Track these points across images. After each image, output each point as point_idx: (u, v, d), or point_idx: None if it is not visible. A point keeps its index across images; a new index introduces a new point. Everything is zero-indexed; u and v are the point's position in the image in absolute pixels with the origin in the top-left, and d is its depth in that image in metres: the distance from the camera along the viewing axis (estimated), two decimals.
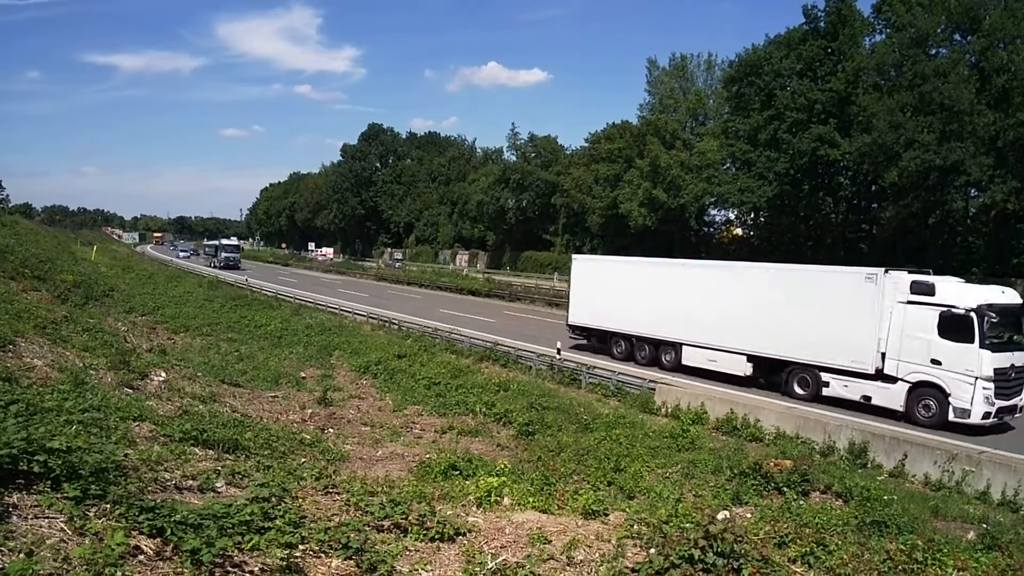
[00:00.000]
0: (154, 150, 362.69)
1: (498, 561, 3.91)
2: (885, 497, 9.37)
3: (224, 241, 74.29)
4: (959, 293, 14.89)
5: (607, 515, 6.28)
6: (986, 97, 32.31)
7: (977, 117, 31.24)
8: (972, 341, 14.01)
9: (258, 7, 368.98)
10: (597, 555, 4.31)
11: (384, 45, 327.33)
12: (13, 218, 55.46)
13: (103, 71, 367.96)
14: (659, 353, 20.25)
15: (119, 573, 2.81)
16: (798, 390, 16.94)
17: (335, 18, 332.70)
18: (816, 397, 16.50)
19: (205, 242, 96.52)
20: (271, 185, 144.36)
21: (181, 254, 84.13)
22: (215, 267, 60.23)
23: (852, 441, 12.82)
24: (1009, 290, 15.92)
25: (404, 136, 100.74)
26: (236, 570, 3.35)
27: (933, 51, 35.19)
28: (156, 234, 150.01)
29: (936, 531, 8.15)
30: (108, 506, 3.60)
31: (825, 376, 16.31)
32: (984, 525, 8.77)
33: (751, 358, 17.72)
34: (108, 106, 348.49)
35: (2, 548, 2.91)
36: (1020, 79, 31.57)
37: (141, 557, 3.21)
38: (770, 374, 17.74)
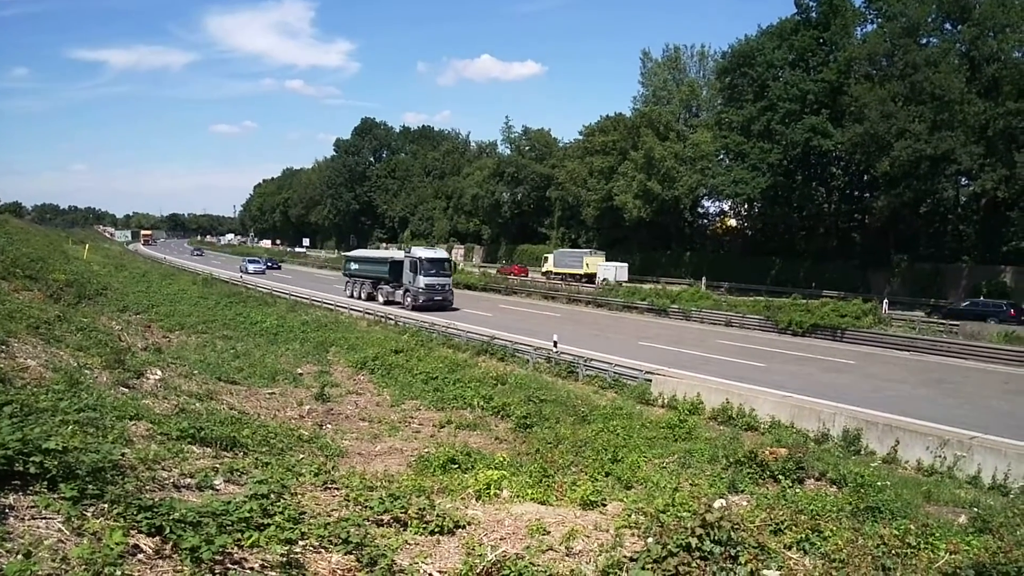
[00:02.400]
0: (145, 147, 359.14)
1: (498, 553, 3.93)
2: (879, 483, 9.47)
3: (423, 253, 34.04)
4: None
5: (605, 505, 6.32)
6: (976, 86, 32.46)
7: (967, 106, 31.40)
8: None
9: (249, 0, 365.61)
10: (595, 545, 4.35)
11: (377, 38, 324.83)
12: (3, 217, 54.99)
13: (92, 67, 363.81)
14: None
15: (118, 572, 2.80)
16: None
17: (328, 11, 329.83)
18: None
19: (353, 253, 46.79)
20: (264, 181, 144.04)
21: (251, 268, 56.28)
22: (396, 304, 32.95)
23: (846, 428, 12.94)
24: None
25: (397, 130, 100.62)
26: (236, 567, 3.36)
27: (924, 40, 35.29)
28: (145, 232, 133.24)
29: (929, 516, 8.24)
30: (106, 506, 3.59)
31: None
32: (975, 509, 8.87)
33: None
34: (98, 103, 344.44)
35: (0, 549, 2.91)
36: (1010, 68, 31.72)
37: (140, 556, 3.21)
38: None
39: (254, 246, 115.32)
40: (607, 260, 47.82)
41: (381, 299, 34.71)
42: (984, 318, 27.66)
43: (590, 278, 46.14)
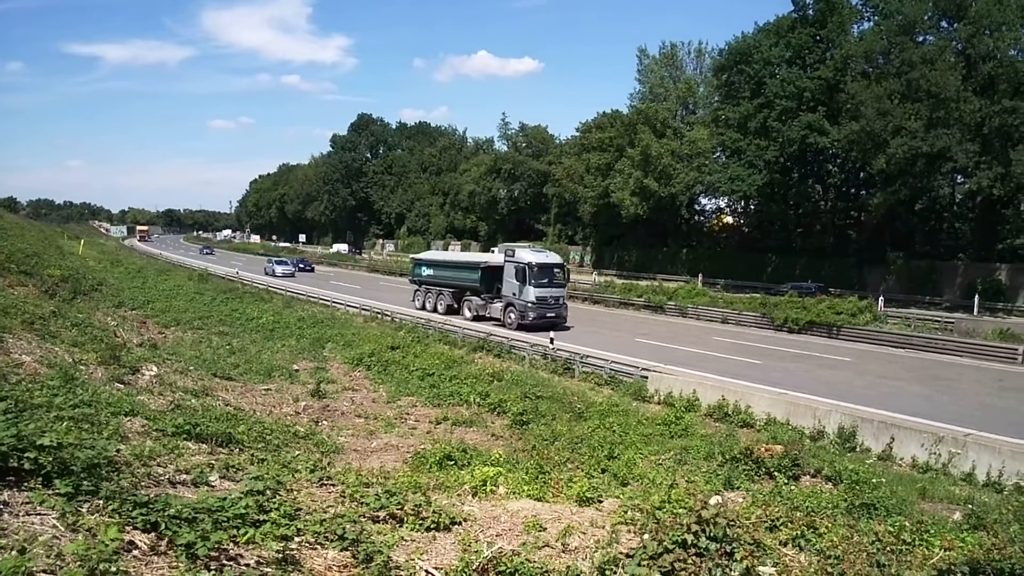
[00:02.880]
0: (141, 143, 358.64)
1: (494, 549, 3.94)
2: (874, 480, 9.52)
3: (531, 256, 27.12)
4: None
5: (601, 502, 6.33)
6: (972, 84, 32.49)
7: (963, 104, 31.43)
8: None
9: None
10: (592, 541, 4.36)
11: (374, 34, 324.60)
12: None
13: (88, 62, 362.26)
14: None
15: (113, 569, 2.79)
16: None
17: (325, 6, 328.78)
18: None
19: (426, 255, 36.93)
20: (260, 177, 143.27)
21: (278, 270, 48.92)
22: (492, 320, 27.04)
23: (841, 425, 12.98)
24: None
25: (394, 126, 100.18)
26: (232, 563, 3.35)
27: (920, 38, 35.31)
28: (140, 228, 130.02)
29: (923, 512, 8.28)
30: (101, 502, 3.58)
31: None
32: (969, 505, 8.92)
33: None
34: (93, 98, 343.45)
35: None
36: (1005, 66, 31.75)
37: (135, 552, 3.20)
38: None
39: (249, 242, 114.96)
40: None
41: (468, 314, 28.21)
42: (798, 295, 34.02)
43: None
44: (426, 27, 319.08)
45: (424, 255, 37.72)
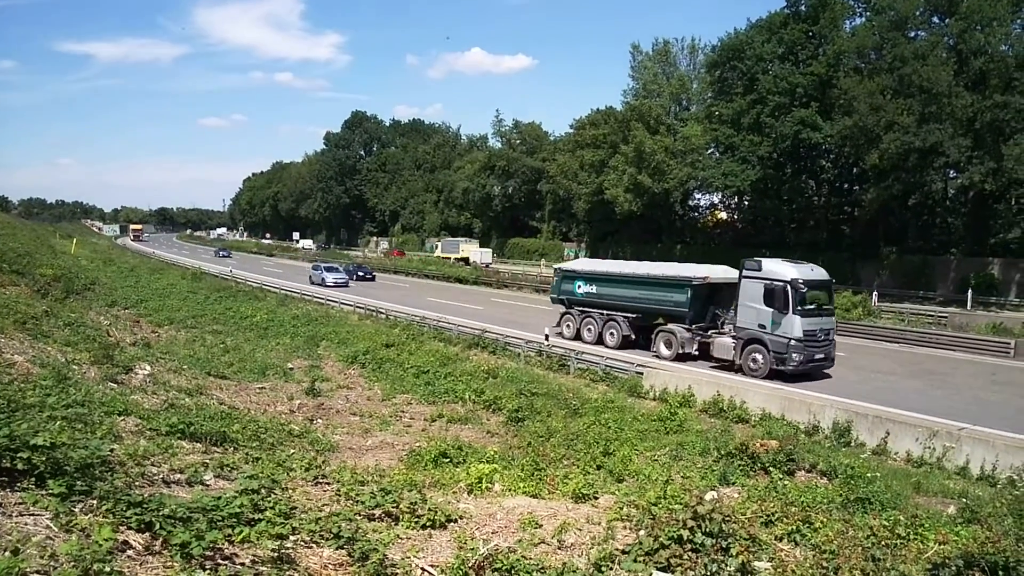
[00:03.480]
0: (134, 141, 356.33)
1: (490, 546, 3.94)
2: (868, 474, 9.56)
3: (792, 271, 17.83)
4: None
5: (597, 498, 6.35)
6: (963, 79, 32.64)
7: (955, 99, 31.57)
8: None
9: None
10: (588, 538, 4.37)
11: (367, 31, 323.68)
12: None
13: (80, 60, 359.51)
14: None
15: (108, 568, 2.77)
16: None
17: (318, 3, 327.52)
18: None
19: (585, 266, 25.65)
20: (254, 175, 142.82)
21: (329, 279, 39.52)
22: (720, 363, 18.57)
23: (836, 420, 13.04)
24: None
25: (388, 124, 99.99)
26: (226, 562, 3.34)
27: (912, 34, 35.46)
28: (134, 226, 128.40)
29: (918, 506, 8.33)
30: (95, 502, 3.56)
31: None
32: (964, 499, 8.98)
33: None
34: (86, 96, 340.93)
35: None
36: (997, 61, 31.90)
37: (130, 552, 3.19)
38: None
39: (242, 240, 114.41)
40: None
41: (665, 350, 19.78)
42: None
43: (465, 260, 57.59)
44: (419, 24, 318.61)
45: (580, 265, 27.17)
